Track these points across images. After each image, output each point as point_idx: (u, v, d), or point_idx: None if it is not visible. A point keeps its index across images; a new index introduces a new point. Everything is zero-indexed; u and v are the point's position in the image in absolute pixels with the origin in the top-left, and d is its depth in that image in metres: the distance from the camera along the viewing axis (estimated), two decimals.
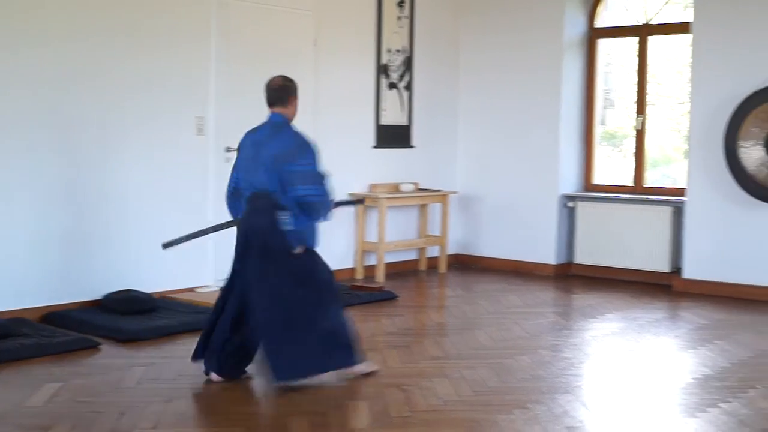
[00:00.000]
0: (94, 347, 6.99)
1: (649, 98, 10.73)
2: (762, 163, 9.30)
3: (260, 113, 9.27)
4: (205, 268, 9.04)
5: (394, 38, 10.68)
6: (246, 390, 6.00)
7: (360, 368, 6.31)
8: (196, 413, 5.51)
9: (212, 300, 8.37)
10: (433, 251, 11.11)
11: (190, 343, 7.15)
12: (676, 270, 10.15)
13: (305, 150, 6.15)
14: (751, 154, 9.35)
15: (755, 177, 9.33)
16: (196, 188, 8.95)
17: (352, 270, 10.33)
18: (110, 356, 6.82)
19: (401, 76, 10.80)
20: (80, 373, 6.31)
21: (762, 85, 9.29)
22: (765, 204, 9.36)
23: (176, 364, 6.56)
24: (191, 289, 8.87)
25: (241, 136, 9.08)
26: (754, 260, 9.49)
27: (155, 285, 8.58)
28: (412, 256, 11.05)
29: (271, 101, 6.31)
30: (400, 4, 10.71)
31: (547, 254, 10.88)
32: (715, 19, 9.69)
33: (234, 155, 8.99)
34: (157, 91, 8.62)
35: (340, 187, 10.15)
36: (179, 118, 8.80)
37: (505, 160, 11.22)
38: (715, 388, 6.19)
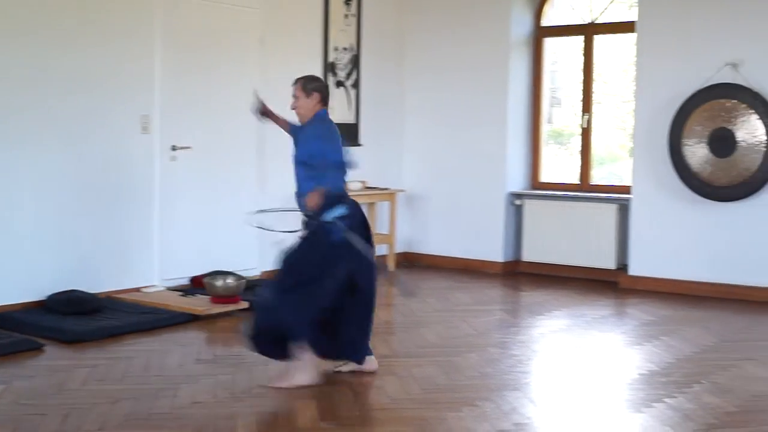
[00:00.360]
0: (37, 349, 6.90)
1: (595, 97, 10.79)
2: (706, 161, 9.38)
3: (207, 110, 9.26)
4: (151, 268, 8.96)
5: (341, 36, 10.66)
6: (192, 389, 5.95)
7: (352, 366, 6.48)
8: (142, 414, 5.46)
9: (158, 300, 8.36)
10: (381, 249, 11.10)
11: (136, 344, 7.13)
12: (623, 267, 10.22)
13: None
14: (695, 152, 9.43)
15: (699, 175, 9.42)
16: (143, 187, 8.87)
17: None
18: (54, 358, 6.74)
19: (348, 75, 10.78)
20: (24, 375, 6.22)
21: (705, 84, 9.37)
22: (709, 201, 9.45)
23: (122, 365, 6.49)
24: (137, 289, 8.78)
25: (187, 133, 9.13)
26: (699, 257, 9.58)
27: (100, 285, 8.48)
28: None
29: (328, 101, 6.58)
30: (347, 2, 10.69)
31: (495, 252, 10.92)
32: (659, 18, 9.77)
33: (178, 153, 9.01)
34: (101, 89, 8.53)
35: (287, 187, 10.13)
36: (124, 117, 8.71)
37: (452, 158, 11.23)
38: (661, 384, 6.24)
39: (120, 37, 8.65)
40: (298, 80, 6.49)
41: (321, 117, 6.43)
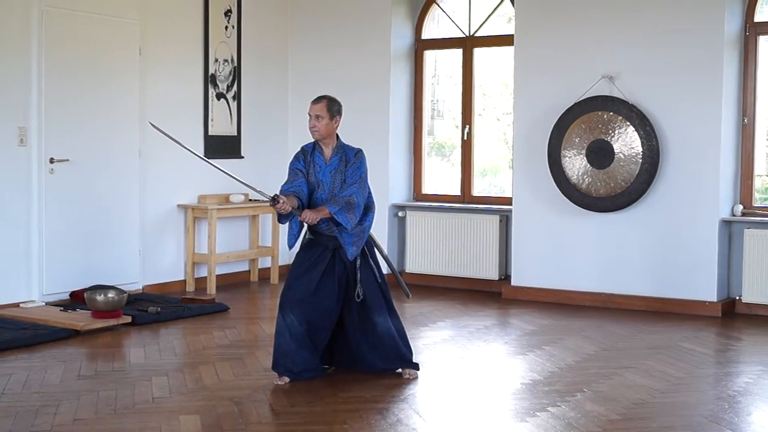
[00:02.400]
0: None
1: (475, 109, 10.90)
2: (584, 173, 9.54)
3: (86, 122, 9.10)
4: (30, 283, 8.78)
5: (222, 48, 10.58)
6: (73, 406, 5.83)
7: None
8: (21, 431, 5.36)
9: (38, 315, 8.19)
10: (265, 262, 11.05)
11: (16, 360, 6.97)
12: (505, 277, 10.34)
13: None
14: (574, 163, 9.58)
15: (578, 186, 9.57)
16: (20, 200, 8.68)
17: (183, 282, 10.18)
18: None
19: (229, 87, 10.70)
20: None
21: (582, 97, 9.54)
22: (588, 212, 9.61)
23: (1, 382, 6.33)
24: (16, 305, 8.59)
25: (65, 146, 8.96)
26: (579, 267, 9.74)
27: None
28: (243, 267, 10.96)
29: None
30: (227, 13, 10.62)
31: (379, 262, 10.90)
32: (536, 32, 9.92)
33: (57, 166, 8.85)
34: None
35: (168, 197, 10.04)
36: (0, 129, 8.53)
37: None
38: (544, 393, 6.32)
39: None
40: (322, 99, 6.62)
41: (363, 155, 6.81)
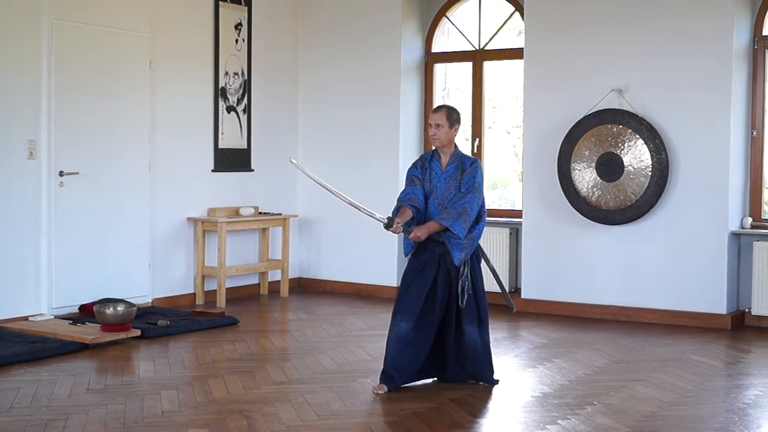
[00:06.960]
0: None
1: (486, 122, 10.89)
2: (594, 185, 9.53)
3: (96, 135, 9.12)
4: (39, 296, 8.78)
5: (233, 61, 10.60)
6: (82, 420, 5.83)
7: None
8: None
9: (47, 329, 8.18)
10: (275, 275, 11.04)
11: (24, 374, 6.97)
12: (516, 290, 10.32)
13: None
14: (583, 176, 9.58)
15: (588, 199, 9.56)
16: (29, 213, 8.69)
17: (193, 295, 10.18)
18: None
19: (239, 100, 10.72)
20: None
21: (592, 110, 9.54)
22: (598, 224, 9.60)
23: (9, 396, 6.34)
24: (24, 318, 8.60)
25: (75, 159, 8.98)
26: (589, 279, 9.72)
27: None
28: (253, 280, 10.96)
29: None
30: (237, 26, 10.64)
31: (388, 277, 10.92)
32: (545, 45, 9.92)
33: (66, 179, 8.86)
34: None
35: (178, 210, 10.05)
36: (8, 142, 8.54)
37: (345, 183, 11.15)
38: (554, 406, 6.31)
39: (5, 61, 8.49)
40: (441, 108, 6.83)
41: (479, 164, 6.90)
